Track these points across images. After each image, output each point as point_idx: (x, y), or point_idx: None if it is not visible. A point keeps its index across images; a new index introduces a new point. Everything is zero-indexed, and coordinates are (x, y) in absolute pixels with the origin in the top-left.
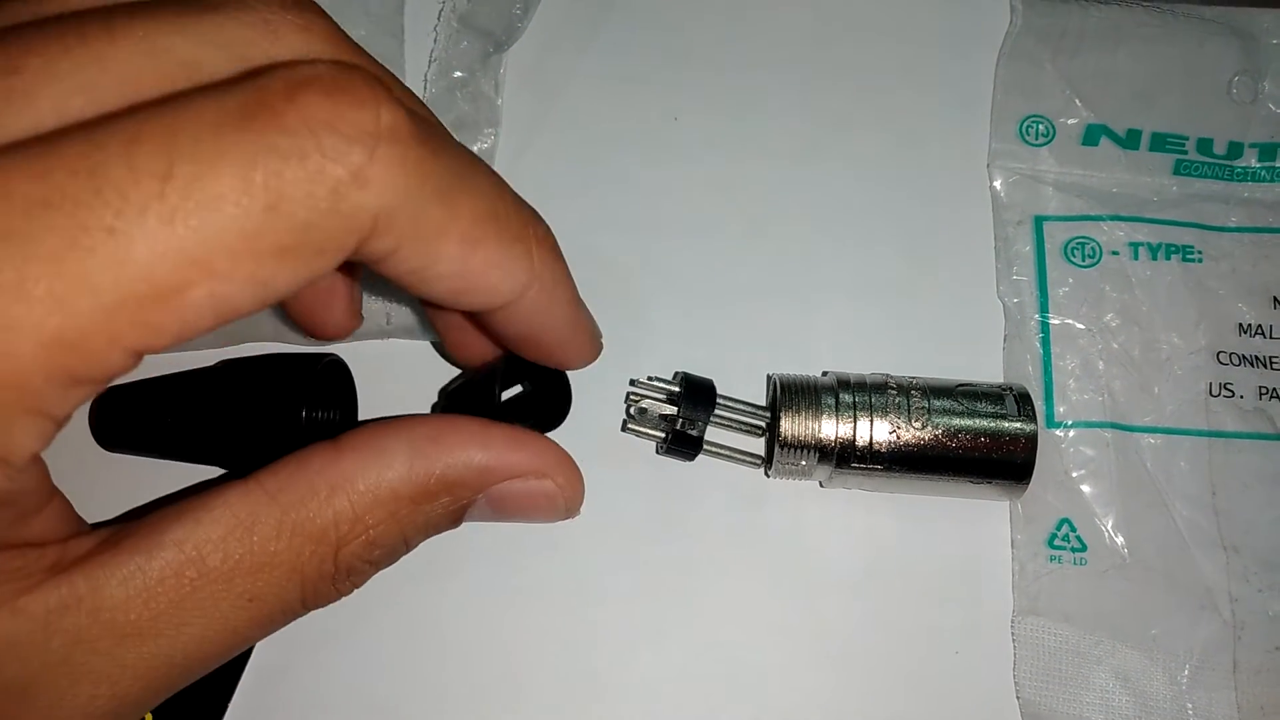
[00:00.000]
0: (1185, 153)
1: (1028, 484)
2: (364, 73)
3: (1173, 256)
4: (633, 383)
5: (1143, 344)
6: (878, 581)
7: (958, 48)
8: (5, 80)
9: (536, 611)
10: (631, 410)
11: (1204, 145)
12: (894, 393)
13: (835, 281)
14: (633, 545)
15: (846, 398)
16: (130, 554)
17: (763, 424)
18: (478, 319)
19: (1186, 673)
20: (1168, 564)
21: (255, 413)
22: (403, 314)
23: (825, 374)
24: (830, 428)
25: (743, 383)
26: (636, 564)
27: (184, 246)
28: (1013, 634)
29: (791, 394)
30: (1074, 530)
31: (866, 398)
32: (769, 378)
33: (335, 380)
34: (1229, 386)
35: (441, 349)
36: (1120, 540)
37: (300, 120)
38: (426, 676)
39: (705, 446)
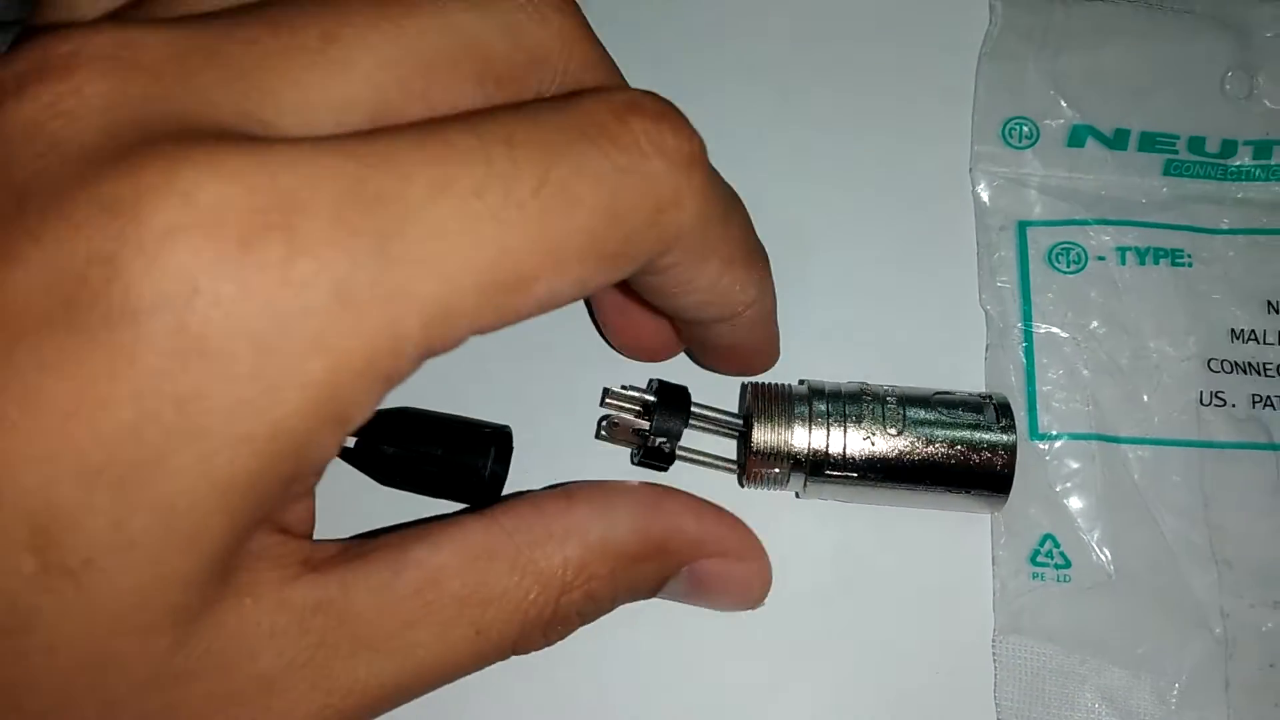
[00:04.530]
0: (1176, 152)
1: (1007, 495)
2: (671, 103)
3: (1161, 261)
4: (607, 391)
5: (1131, 352)
6: (854, 597)
7: (938, 48)
8: (326, 49)
9: None
10: (603, 425)
11: (1196, 144)
12: (869, 400)
13: (813, 287)
14: None
15: (820, 406)
16: (380, 566)
17: (737, 432)
18: (693, 327)
19: (1176, 692)
20: (1156, 580)
21: (447, 451)
22: None
23: (801, 382)
24: (803, 436)
25: (723, 389)
26: None
27: (546, 241)
28: (994, 654)
29: (764, 401)
30: (1058, 546)
31: (841, 406)
32: (743, 385)
33: (504, 448)
34: (1221, 395)
35: (602, 333)
36: (1106, 556)
37: (633, 142)
38: None
39: (680, 453)
